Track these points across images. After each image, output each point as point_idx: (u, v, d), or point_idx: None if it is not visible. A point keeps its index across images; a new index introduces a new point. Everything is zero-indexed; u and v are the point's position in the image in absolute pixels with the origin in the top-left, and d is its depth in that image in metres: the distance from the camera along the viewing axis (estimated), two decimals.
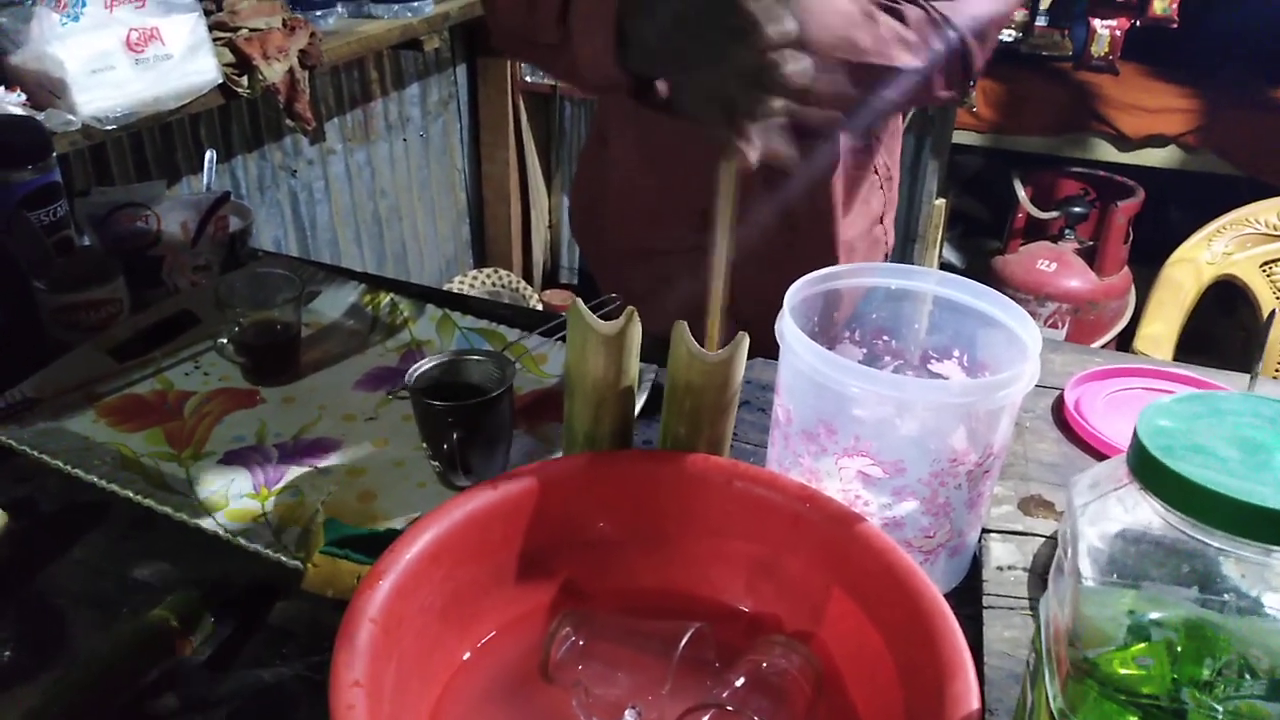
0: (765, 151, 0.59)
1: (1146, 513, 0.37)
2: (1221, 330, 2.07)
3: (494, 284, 2.37)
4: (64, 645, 0.62)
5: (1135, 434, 0.36)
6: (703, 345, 0.61)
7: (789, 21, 0.56)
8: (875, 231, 1.00)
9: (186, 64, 1.23)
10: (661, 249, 0.99)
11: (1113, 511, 0.39)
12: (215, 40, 1.30)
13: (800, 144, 0.91)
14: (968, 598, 0.65)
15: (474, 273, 2.38)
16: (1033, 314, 2.23)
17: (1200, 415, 0.37)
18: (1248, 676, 0.38)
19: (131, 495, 0.70)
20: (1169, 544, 0.37)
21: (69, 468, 0.71)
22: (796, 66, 0.57)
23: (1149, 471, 0.35)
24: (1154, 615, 0.39)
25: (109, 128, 1.15)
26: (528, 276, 2.53)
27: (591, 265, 1.10)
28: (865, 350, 0.72)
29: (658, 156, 0.95)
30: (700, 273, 0.64)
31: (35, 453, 0.73)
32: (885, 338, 0.71)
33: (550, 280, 2.59)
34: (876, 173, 0.97)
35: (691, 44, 0.59)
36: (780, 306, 0.63)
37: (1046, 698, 0.40)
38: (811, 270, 0.66)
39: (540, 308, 2.41)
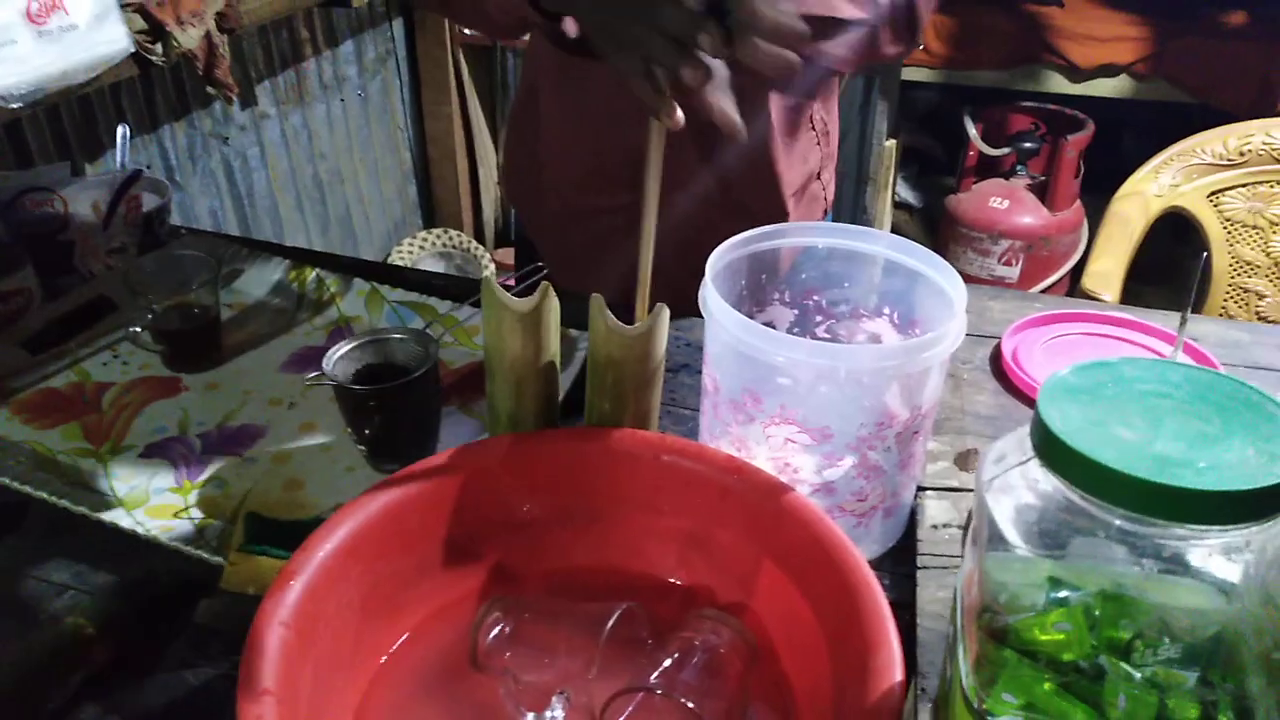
0: (710, 112, 0.55)
1: (1051, 487, 0.36)
2: (1177, 259, 2.07)
3: (444, 245, 2.33)
4: None
5: (1036, 411, 0.34)
6: (634, 315, 0.59)
7: None
8: (813, 187, 0.98)
9: (94, 34, 1.17)
10: (597, 208, 0.97)
11: (1021, 483, 0.38)
12: (124, 6, 1.23)
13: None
14: (905, 557, 0.64)
15: (423, 234, 2.33)
16: (986, 253, 2.23)
17: (1105, 384, 0.36)
18: (1166, 639, 0.38)
19: (46, 496, 0.67)
20: (1081, 515, 0.36)
21: None
22: (718, 32, 0.53)
23: (1051, 450, 0.34)
24: (1071, 581, 0.38)
25: (14, 105, 1.09)
26: (479, 236, 2.49)
27: (528, 228, 1.07)
28: (796, 311, 0.71)
29: (588, 111, 0.92)
30: (637, 233, 0.61)
31: None
32: (816, 297, 0.70)
33: (503, 239, 2.55)
34: (813, 128, 0.94)
35: None
36: None
37: (960, 672, 0.40)
38: (752, 229, 0.65)
39: (493, 267, 2.37)
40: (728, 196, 0.92)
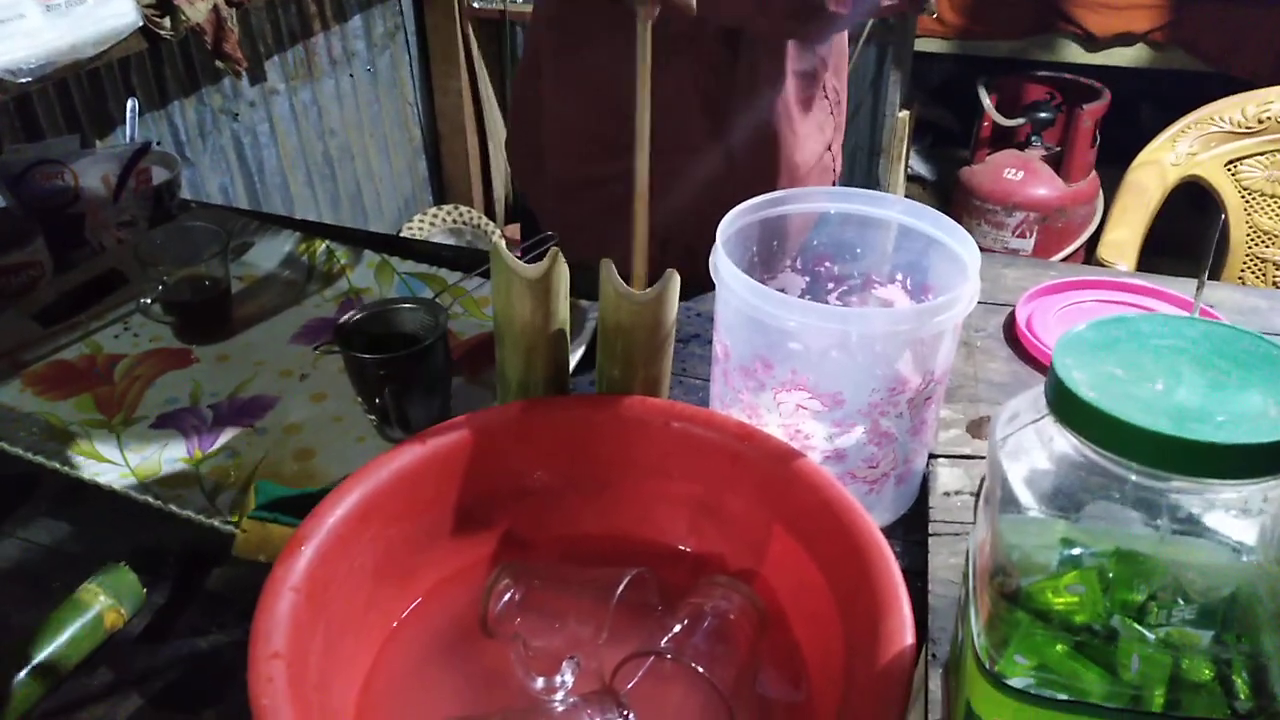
0: None
1: (1066, 444, 0.35)
2: (1194, 230, 2.05)
3: (454, 221, 2.32)
4: None
5: (1052, 366, 0.34)
6: (630, 281, 0.59)
7: None
8: (825, 158, 0.97)
9: (102, 8, 1.17)
10: (598, 178, 0.96)
11: (1035, 443, 0.37)
12: None
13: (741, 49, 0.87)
14: (917, 524, 0.64)
15: (433, 210, 2.32)
16: (1000, 224, 2.21)
17: (1120, 340, 0.35)
18: (1180, 600, 0.37)
19: (58, 467, 0.68)
20: (1096, 472, 0.36)
21: None
22: None
23: (1066, 405, 0.33)
24: (1085, 542, 0.38)
25: (24, 80, 1.09)
26: (489, 211, 2.48)
27: (531, 200, 1.07)
28: (808, 278, 0.70)
29: (588, 80, 0.91)
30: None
31: None
32: (828, 264, 0.69)
33: (513, 215, 2.54)
34: (826, 97, 0.93)
35: None
36: None
37: (973, 634, 0.39)
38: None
39: (503, 242, 2.37)
40: (730, 164, 0.92)
